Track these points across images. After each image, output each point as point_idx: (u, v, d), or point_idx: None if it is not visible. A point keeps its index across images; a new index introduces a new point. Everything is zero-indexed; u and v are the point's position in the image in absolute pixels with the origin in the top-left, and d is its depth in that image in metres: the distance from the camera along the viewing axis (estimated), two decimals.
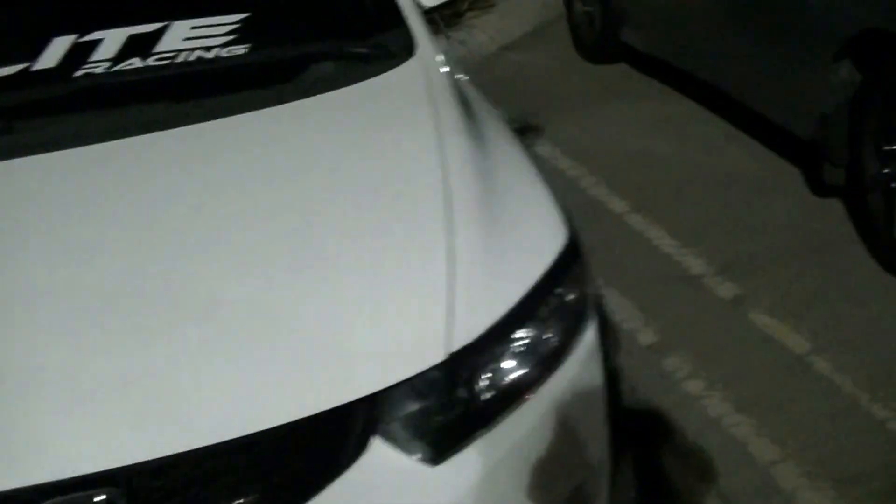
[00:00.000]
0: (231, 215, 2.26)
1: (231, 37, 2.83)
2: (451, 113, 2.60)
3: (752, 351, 3.53)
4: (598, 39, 6.39)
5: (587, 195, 4.82)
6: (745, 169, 4.84)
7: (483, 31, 7.06)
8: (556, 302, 2.24)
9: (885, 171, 3.81)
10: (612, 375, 2.41)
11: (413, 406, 2.00)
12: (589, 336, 2.27)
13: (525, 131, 5.53)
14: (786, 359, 3.47)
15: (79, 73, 2.69)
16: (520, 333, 2.16)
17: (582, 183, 4.94)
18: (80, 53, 2.74)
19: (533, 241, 2.30)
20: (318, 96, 2.66)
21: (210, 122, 2.56)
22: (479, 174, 2.39)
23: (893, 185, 3.78)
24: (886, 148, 3.79)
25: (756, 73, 4.65)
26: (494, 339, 2.10)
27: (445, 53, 3.09)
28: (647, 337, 3.67)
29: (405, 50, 2.89)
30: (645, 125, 5.49)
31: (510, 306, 2.13)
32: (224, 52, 2.78)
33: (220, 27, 2.87)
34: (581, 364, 2.23)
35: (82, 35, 2.79)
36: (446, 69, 2.87)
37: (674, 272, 4.06)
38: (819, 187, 4.40)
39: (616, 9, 6.07)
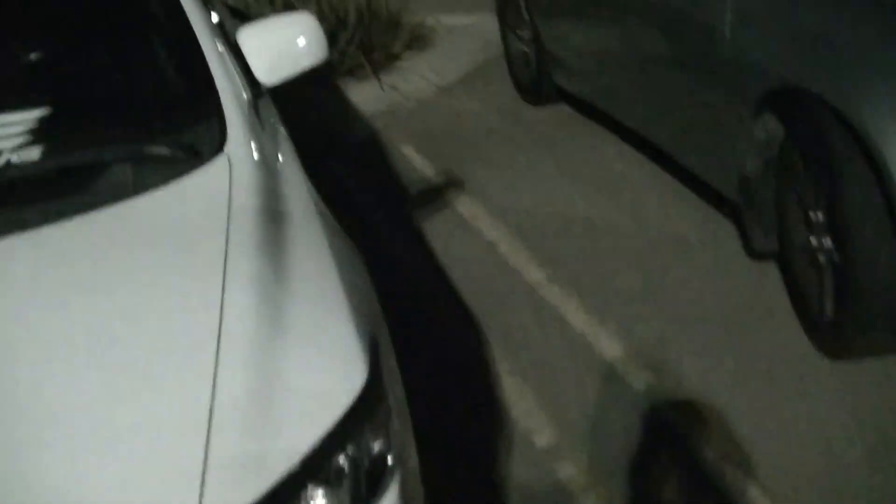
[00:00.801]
0: None
1: (25, 138, 2.50)
2: (245, 228, 2.25)
3: (658, 456, 3.13)
4: (534, 81, 6.02)
5: (503, 263, 4.45)
6: (679, 231, 4.45)
7: (419, 74, 6.69)
8: (345, 463, 1.88)
9: (813, 241, 3.40)
10: None
11: None
12: (390, 499, 1.89)
13: (447, 187, 5.19)
14: (697, 466, 3.07)
15: None
16: None
17: (500, 248, 4.58)
18: None
19: (318, 390, 1.93)
20: (104, 210, 2.31)
21: None
22: (261, 309, 2.03)
23: (822, 258, 3.36)
24: (812, 216, 3.38)
25: (679, 124, 4.28)
26: None
27: (273, 136, 2.75)
28: (543, 438, 3.29)
29: (214, 145, 2.53)
30: (576, 179, 5.12)
31: (278, 477, 1.78)
32: (15, 157, 2.44)
33: (15, 126, 2.53)
34: None
35: None
36: (254, 165, 2.51)
37: (585, 356, 3.68)
38: (752, 253, 4.00)
39: (548, 49, 5.69)
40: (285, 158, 2.76)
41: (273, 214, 2.33)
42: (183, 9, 2.95)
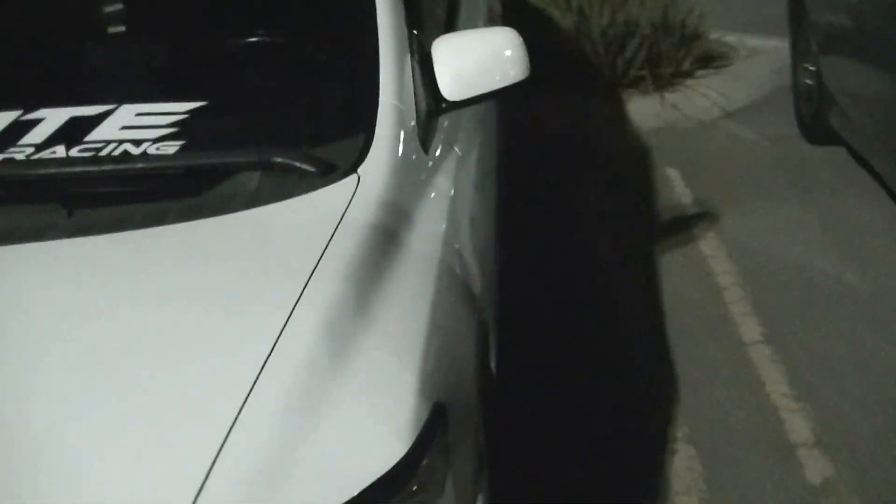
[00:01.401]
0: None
1: (170, 130, 2.45)
2: (342, 256, 2.10)
3: None
4: (813, 118, 5.62)
5: (723, 312, 4.20)
6: None
7: (705, 95, 6.38)
8: None
9: None
10: None
11: None
12: None
13: (699, 218, 5.01)
14: None
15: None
16: None
17: (726, 295, 4.32)
18: (13, 133, 2.46)
19: (345, 458, 1.77)
20: (213, 218, 2.24)
21: (91, 238, 2.21)
22: (318, 350, 1.88)
23: None
24: None
25: None
26: None
27: (442, 158, 2.66)
28: None
29: (351, 162, 2.39)
30: (830, 232, 4.76)
31: None
32: (153, 149, 2.39)
33: (165, 116, 2.48)
34: None
35: (28, 111, 2.51)
36: (386, 189, 2.35)
37: (769, 434, 3.41)
38: None
39: (826, 87, 5.28)
40: (439, 185, 2.58)
41: (383, 249, 2.18)
42: (375, 14, 2.76)
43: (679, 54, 6.50)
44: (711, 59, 6.82)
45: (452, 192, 2.61)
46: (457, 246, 2.44)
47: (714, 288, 4.38)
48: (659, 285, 4.42)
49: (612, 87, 6.35)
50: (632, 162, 5.81)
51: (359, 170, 2.35)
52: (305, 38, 2.88)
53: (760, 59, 6.94)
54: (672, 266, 4.57)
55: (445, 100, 2.72)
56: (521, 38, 2.78)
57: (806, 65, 5.65)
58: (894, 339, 3.84)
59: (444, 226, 2.44)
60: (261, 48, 2.90)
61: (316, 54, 2.86)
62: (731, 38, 7.13)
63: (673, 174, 5.59)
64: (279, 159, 2.36)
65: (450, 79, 2.72)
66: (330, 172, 2.34)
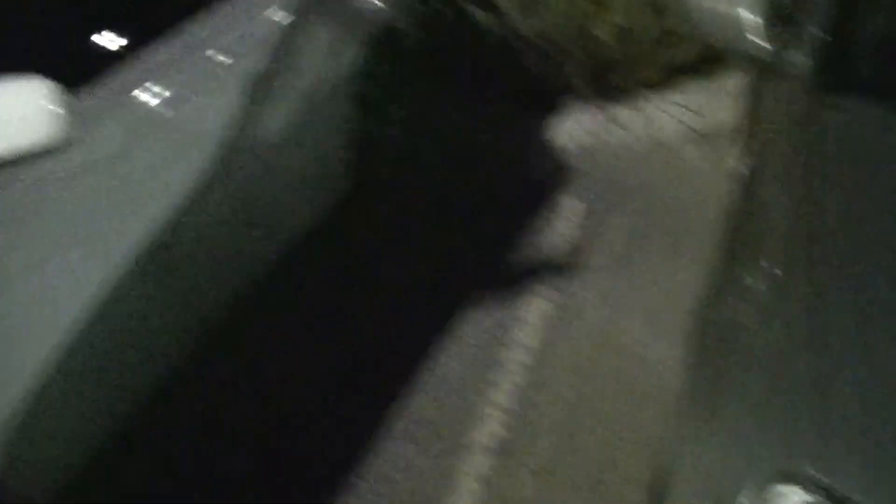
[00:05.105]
0: None
1: None
2: None
3: None
4: None
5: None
6: None
7: (675, 110, 5.12)
8: None
9: None
10: None
11: None
12: None
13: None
14: None
15: None
16: None
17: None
18: None
19: None
20: None
21: None
22: None
23: None
24: None
25: None
26: None
27: None
28: None
29: None
30: None
31: None
32: None
33: None
34: None
35: None
36: None
37: None
38: None
39: None
40: None
41: None
42: None
43: (642, 58, 5.20)
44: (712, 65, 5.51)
45: None
46: None
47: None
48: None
49: (541, 97, 5.14)
50: (529, 187, 4.67)
51: None
52: None
53: None
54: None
55: None
56: (54, 92, 2.28)
57: None
58: None
59: None
60: None
61: None
62: None
63: (570, 207, 4.44)
64: None
65: None
66: None
